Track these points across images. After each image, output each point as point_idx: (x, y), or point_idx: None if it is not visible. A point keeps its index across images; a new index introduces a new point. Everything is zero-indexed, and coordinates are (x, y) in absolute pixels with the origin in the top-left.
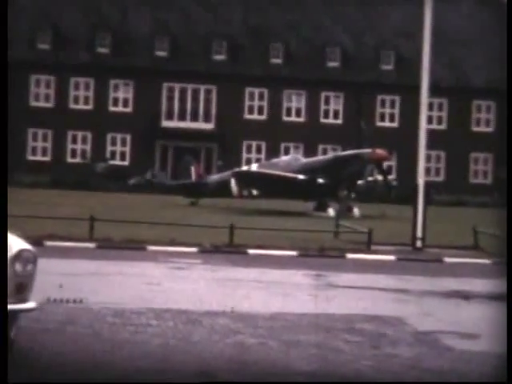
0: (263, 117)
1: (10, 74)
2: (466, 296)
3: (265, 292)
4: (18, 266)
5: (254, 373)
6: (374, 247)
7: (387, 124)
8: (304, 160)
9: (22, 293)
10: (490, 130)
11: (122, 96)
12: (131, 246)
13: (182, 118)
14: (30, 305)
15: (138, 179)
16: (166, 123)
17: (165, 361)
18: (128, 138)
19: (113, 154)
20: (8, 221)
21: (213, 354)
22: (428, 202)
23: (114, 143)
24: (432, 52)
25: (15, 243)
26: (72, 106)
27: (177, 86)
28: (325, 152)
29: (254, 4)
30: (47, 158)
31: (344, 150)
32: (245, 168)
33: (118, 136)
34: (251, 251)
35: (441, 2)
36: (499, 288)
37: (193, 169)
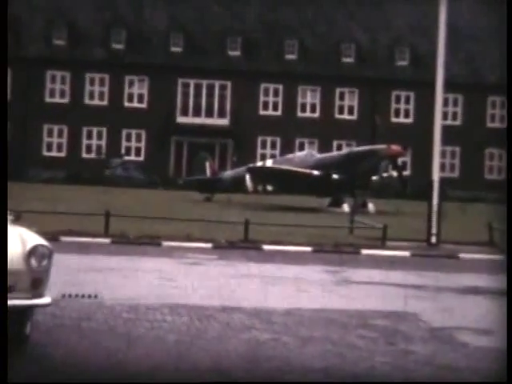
0: (278, 113)
1: (26, 71)
2: (481, 292)
3: (279, 288)
4: (34, 262)
5: (268, 369)
6: (388, 243)
7: (402, 120)
8: (319, 156)
9: (38, 288)
10: (505, 126)
11: (137, 92)
12: (146, 242)
13: (196, 113)
14: (46, 300)
15: (111, 170)
16: (180, 119)
17: (179, 357)
18: (143, 133)
19: (128, 149)
20: (23, 216)
21: (227, 350)
22: (442, 197)
23: (128, 139)
24: (447, 48)
25: (30, 238)
26: (87, 101)
27: (192, 82)
28: (339, 148)
29: (269, 0)
30: (62, 154)
31: (359, 145)
32: (259, 164)
33: (133, 132)
34: (266, 247)
35: None
36: None
37: (207, 164)
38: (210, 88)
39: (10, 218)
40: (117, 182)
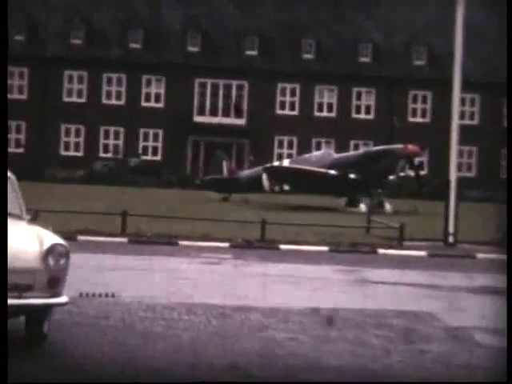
0: (295, 112)
1: (44, 70)
2: (498, 292)
3: (296, 287)
4: (51, 261)
5: (285, 367)
6: (405, 243)
7: (419, 119)
8: (336, 155)
9: (55, 287)
10: None
11: (154, 91)
12: (163, 241)
13: (213, 113)
14: (63, 299)
15: (88, 169)
16: (197, 119)
17: (196, 355)
18: (160, 133)
19: (145, 149)
20: (41, 215)
21: (244, 349)
22: (459, 197)
23: (146, 138)
24: (464, 47)
25: (48, 238)
26: (104, 101)
27: (209, 82)
28: (356, 147)
29: (286, 0)
30: (80, 154)
31: (375, 145)
32: (276, 163)
33: (150, 131)
34: (283, 246)
35: None
36: None
37: (224, 164)
38: (227, 88)
39: (27, 217)
40: (134, 181)
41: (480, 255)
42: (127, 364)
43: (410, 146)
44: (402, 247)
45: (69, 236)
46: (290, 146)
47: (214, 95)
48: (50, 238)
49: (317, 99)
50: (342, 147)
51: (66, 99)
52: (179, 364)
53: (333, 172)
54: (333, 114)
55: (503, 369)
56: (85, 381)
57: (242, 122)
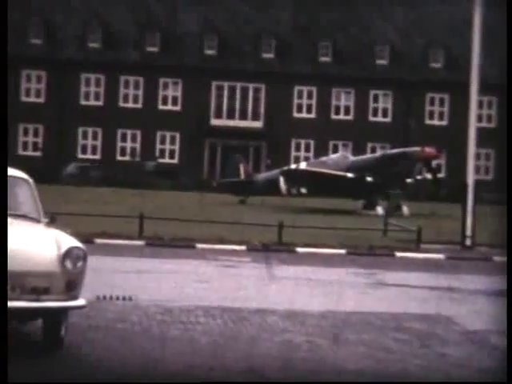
0: (312, 115)
1: (62, 73)
2: None
3: (314, 290)
4: (68, 264)
5: (302, 371)
6: (423, 245)
7: (436, 122)
8: (353, 158)
9: (72, 290)
10: None
11: (172, 94)
12: (180, 244)
13: (230, 116)
14: (80, 302)
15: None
16: (214, 121)
17: (214, 358)
18: (177, 136)
19: (162, 152)
20: (58, 218)
21: (261, 352)
22: (477, 200)
23: (163, 141)
24: (482, 49)
25: (65, 241)
26: (122, 104)
27: (226, 85)
28: (373, 150)
29: (303, 2)
30: (97, 156)
31: (393, 148)
32: (293, 166)
33: (168, 134)
34: (300, 249)
35: None
36: None
37: (241, 167)
38: (244, 90)
39: (44, 220)
40: (151, 184)
41: (497, 258)
42: (144, 366)
43: (427, 149)
44: (419, 250)
45: (86, 239)
46: (307, 149)
47: (231, 98)
48: (68, 241)
49: (334, 102)
50: (358, 150)
51: (83, 102)
52: (196, 367)
53: (350, 175)
54: (350, 117)
55: (503, 369)
56: (95, 381)
57: (258, 124)
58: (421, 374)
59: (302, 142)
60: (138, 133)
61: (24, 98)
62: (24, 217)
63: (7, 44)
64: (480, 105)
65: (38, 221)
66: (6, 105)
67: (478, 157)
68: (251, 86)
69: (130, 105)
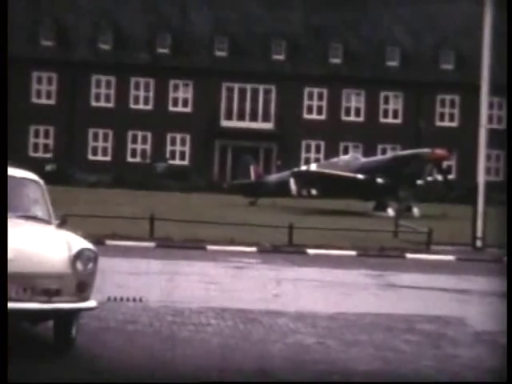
0: (322, 116)
1: (72, 75)
2: None
3: (324, 292)
4: (79, 265)
5: (313, 372)
6: (433, 247)
7: (447, 123)
8: (363, 160)
9: (83, 292)
10: None
11: (182, 96)
12: (191, 246)
13: (241, 117)
14: (91, 303)
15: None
16: (225, 123)
17: (224, 360)
18: (187, 137)
19: (173, 153)
20: (69, 220)
21: (271, 354)
22: (487, 201)
23: (173, 143)
24: (492, 50)
25: (76, 242)
26: (132, 106)
27: (236, 86)
28: (384, 152)
29: (314, 3)
30: (108, 158)
31: (403, 149)
32: (304, 168)
33: (178, 136)
34: (310, 251)
35: None
36: None
37: (252, 168)
38: (255, 92)
39: (55, 222)
40: (161, 185)
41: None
42: (155, 368)
43: (438, 150)
44: (429, 251)
45: (97, 240)
46: (318, 151)
47: (242, 99)
48: (79, 243)
49: (344, 103)
50: (369, 151)
51: (93, 104)
52: (207, 368)
53: (360, 176)
54: (360, 118)
55: (503, 369)
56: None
57: (269, 126)
58: (431, 375)
59: (313, 144)
60: (149, 134)
61: (35, 100)
62: (35, 218)
63: (7, 45)
64: (490, 106)
65: (48, 222)
66: (6, 105)
67: (488, 158)
68: (261, 87)
69: (141, 106)
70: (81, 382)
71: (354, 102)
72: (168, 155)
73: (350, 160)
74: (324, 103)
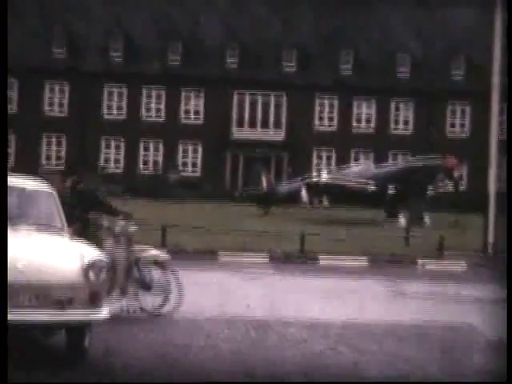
0: (333, 125)
1: (84, 85)
2: None
3: (336, 300)
4: (92, 275)
5: (323, 379)
6: (445, 255)
7: (458, 132)
8: (374, 168)
9: (96, 301)
10: None
11: (193, 105)
12: (203, 255)
13: (252, 127)
14: (104, 314)
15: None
16: (236, 132)
17: (236, 367)
18: (199, 147)
19: (184, 163)
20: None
21: (284, 362)
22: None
23: (185, 153)
24: (503, 58)
25: (88, 252)
26: (144, 115)
27: (247, 95)
28: (395, 159)
29: (324, 12)
30: (119, 169)
31: (414, 157)
32: (315, 175)
33: (189, 145)
34: (322, 259)
35: None
36: None
37: (263, 177)
38: (266, 101)
39: (68, 232)
40: (173, 195)
41: None
42: (168, 376)
43: (449, 159)
44: (441, 259)
45: None
46: (329, 159)
47: (253, 109)
48: (91, 253)
49: (355, 111)
50: (380, 160)
51: (105, 114)
52: (219, 376)
53: (372, 185)
54: (371, 127)
55: (503, 369)
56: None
57: (280, 135)
58: (443, 382)
59: (324, 152)
60: (160, 144)
61: (47, 110)
62: (48, 229)
63: (7, 45)
64: (501, 114)
65: (61, 232)
66: (6, 105)
67: (499, 166)
68: (272, 96)
69: (152, 116)
70: (81, 382)
71: (364, 110)
72: (180, 165)
73: (361, 169)
74: (335, 112)
